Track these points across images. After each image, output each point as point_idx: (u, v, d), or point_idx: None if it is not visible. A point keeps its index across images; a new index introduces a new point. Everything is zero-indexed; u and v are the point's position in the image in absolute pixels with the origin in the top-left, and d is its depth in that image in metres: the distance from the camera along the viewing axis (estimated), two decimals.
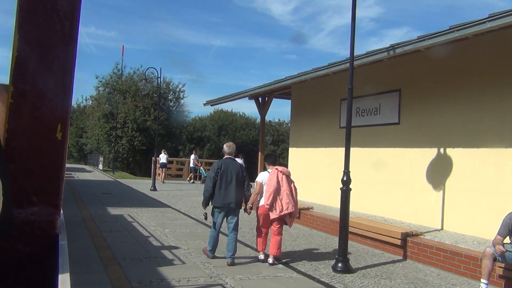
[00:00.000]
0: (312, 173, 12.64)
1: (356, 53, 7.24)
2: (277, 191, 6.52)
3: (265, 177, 6.76)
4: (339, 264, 6.41)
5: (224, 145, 6.99)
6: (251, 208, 6.66)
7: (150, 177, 21.61)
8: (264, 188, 6.67)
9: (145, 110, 32.51)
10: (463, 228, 7.91)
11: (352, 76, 6.78)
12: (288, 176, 6.77)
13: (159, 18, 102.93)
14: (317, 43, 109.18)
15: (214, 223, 6.61)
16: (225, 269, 6.12)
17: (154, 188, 17.59)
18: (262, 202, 6.66)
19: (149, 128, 32.14)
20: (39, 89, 0.97)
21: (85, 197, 14.09)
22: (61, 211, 1.09)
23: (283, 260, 6.84)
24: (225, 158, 6.80)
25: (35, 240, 0.98)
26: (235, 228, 6.57)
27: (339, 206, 6.80)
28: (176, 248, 7.33)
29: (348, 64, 7.18)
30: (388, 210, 9.65)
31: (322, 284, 5.76)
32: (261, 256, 6.71)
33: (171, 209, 12.31)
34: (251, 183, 6.93)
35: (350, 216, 6.84)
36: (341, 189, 6.71)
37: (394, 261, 7.19)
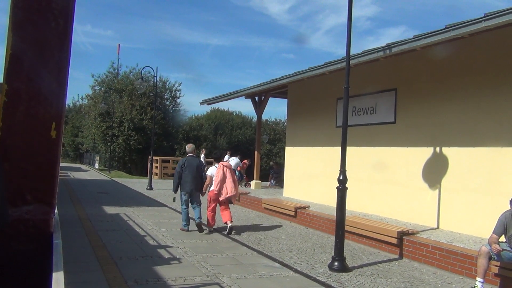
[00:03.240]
0: (309, 172, 12.66)
1: (352, 52, 7.25)
2: (223, 180, 8.85)
3: (213, 171, 9.00)
4: (335, 263, 6.43)
5: (186, 146, 9.55)
6: (204, 192, 9.13)
7: (147, 176, 21.56)
8: (214, 178, 8.91)
9: (141, 109, 32.44)
10: (459, 227, 7.94)
11: (348, 75, 6.78)
12: (230, 168, 9.13)
13: (156, 17, 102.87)
14: (314, 42, 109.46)
15: (183, 204, 8.83)
16: (221, 268, 6.13)
17: (150, 187, 17.58)
18: (212, 188, 8.92)
19: (146, 127, 32.07)
20: (33, 87, 0.96)
21: (81, 197, 14.06)
22: (56, 210, 1.09)
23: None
24: (188, 156, 9.13)
25: (29, 239, 0.97)
26: (198, 204, 8.87)
27: (335, 205, 6.81)
28: (172, 247, 7.33)
29: (344, 63, 7.19)
30: (385, 209, 9.68)
31: (319, 283, 5.77)
32: (212, 229, 8.98)
33: (167, 208, 12.29)
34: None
35: (346, 215, 6.86)
36: (337, 188, 6.72)
37: (390, 260, 7.21)
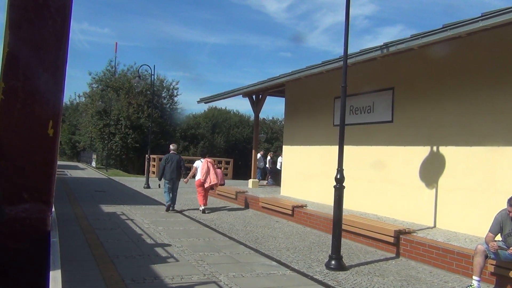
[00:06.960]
0: (306, 171, 12.67)
1: (350, 51, 7.25)
2: (207, 172, 11.52)
3: (199, 164, 11.72)
4: (332, 262, 6.44)
5: (171, 145, 12.12)
6: (187, 180, 11.98)
7: (144, 174, 21.52)
8: (198, 170, 11.62)
9: (138, 108, 32.32)
10: (455, 226, 7.96)
11: (345, 74, 6.78)
12: (212, 164, 11.85)
13: (153, 15, 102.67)
14: (312, 41, 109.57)
15: (166, 189, 11.45)
16: (218, 267, 6.13)
17: (147, 186, 17.55)
18: (198, 177, 11.58)
19: (143, 125, 31.97)
20: (30, 85, 0.96)
21: (78, 195, 14.03)
22: (53, 208, 1.09)
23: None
24: (171, 153, 11.69)
25: (26, 237, 0.97)
26: (175, 190, 11.57)
27: (333, 204, 6.81)
28: (169, 245, 7.32)
29: (341, 62, 7.19)
30: (382, 208, 9.70)
31: (316, 282, 5.78)
32: (201, 208, 11.56)
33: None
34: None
35: (343, 213, 6.86)
36: (334, 187, 6.73)
37: (387, 259, 7.23)
